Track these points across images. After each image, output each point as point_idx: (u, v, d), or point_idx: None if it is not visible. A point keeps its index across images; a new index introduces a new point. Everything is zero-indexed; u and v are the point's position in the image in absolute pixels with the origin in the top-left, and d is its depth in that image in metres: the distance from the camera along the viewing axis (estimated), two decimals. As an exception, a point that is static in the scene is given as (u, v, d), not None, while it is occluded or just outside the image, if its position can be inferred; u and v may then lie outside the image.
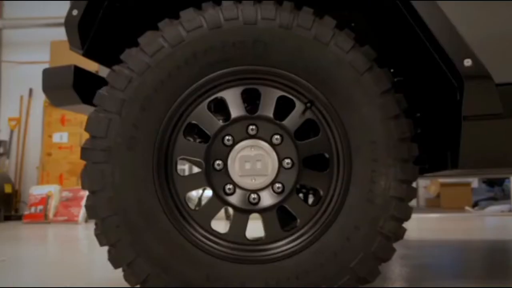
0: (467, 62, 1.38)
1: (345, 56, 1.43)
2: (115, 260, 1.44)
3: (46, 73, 1.66)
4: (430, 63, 1.48)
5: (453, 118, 1.46)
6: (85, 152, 1.43)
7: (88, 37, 1.68)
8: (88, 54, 1.72)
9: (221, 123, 1.49)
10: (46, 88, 1.65)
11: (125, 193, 1.41)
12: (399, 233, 1.45)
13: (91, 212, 1.43)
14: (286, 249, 1.45)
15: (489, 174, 4.91)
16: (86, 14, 1.63)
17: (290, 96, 1.49)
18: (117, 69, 1.44)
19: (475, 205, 7.98)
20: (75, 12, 1.63)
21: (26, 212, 6.78)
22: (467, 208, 7.70)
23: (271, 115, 1.48)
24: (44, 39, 7.69)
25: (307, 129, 1.57)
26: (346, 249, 1.42)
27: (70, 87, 1.58)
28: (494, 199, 8.27)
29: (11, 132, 8.15)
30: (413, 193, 1.45)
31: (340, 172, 1.47)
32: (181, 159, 1.52)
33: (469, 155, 1.41)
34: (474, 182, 8.39)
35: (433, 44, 1.43)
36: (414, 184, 1.47)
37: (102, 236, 1.44)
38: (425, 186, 8.62)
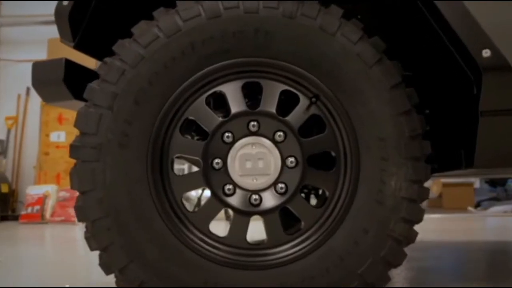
0: (486, 53, 1.30)
1: (353, 47, 1.36)
2: (106, 265, 1.37)
3: (36, 67, 1.58)
4: (444, 55, 1.41)
5: (468, 113, 1.37)
6: (75, 150, 1.36)
7: (80, 29, 1.61)
8: (80, 46, 1.64)
9: (220, 119, 1.41)
10: (36, 83, 1.58)
11: (117, 193, 1.34)
12: (411, 237, 1.38)
13: (81, 214, 1.35)
14: (290, 254, 1.38)
15: (492, 174, 4.85)
16: (78, 3, 1.55)
17: (294, 90, 1.42)
18: (109, 61, 1.37)
19: (477, 205, 7.94)
20: (65, 2, 1.55)
21: (23, 212, 6.73)
22: (469, 208, 7.65)
23: (273, 110, 1.41)
24: (41, 37, 7.61)
25: (312, 126, 1.49)
26: (354, 254, 1.36)
27: (60, 82, 1.51)
28: (496, 200, 8.24)
29: (8, 131, 8.08)
30: (425, 193, 1.38)
31: (348, 172, 1.40)
32: (177, 157, 1.44)
33: (486, 153, 1.33)
34: (476, 182, 8.34)
35: (448, 34, 1.35)
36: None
37: (92, 240, 1.36)
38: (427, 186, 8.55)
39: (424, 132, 1.38)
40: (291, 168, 1.41)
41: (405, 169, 1.35)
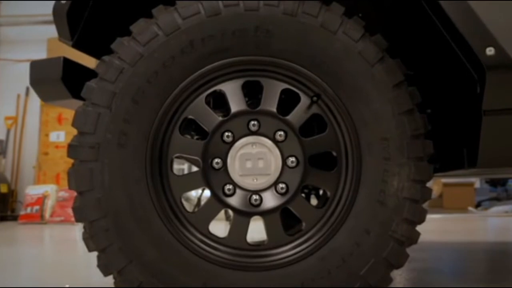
0: (490, 51, 1.28)
1: (355, 45, 1.34)
2: (104, 266, 1.35)
3: (34, 65, 1.56)
4: (447, 53, 1.38)
5: (471, 113, 1.35)
6: (73, 149, 1.34)
7: (78, 27, 1.59)
8: (78, 45, 1.62)
9: (220, 118, 1.39)
10: (34, 82, 1.57)
11: (115, 194, 1.32)
12: (413, 237, 1.37)
13: (79, 214, 1.33)
14: (290, 255, 1.36)
15: (493, 174, 4.83)
16: (76, 1, 1.52)
17: (295, 89, 1.40)
18: (107, 59, 1.35)
19: (477, 205, 7.91)
20: (63, 1, 1.53)
21: (22, 213, 6.69)
22: (470, 208, 7.63)
23: (274, 109, 1.39)
24: (41, 37, 7.60)
25: (313, 125, 1.47)
26: (356, 255, 1.34)
27: (58, 80, 1.49)
28: (497, 200, 8.21)
29: (8, 131, 8.06)
30: (428, 194, 1.36)
31: (349, 172, 1.38)
32: (176, 157, 1.42)
33: (489, 153, 1.31)
34: (477, 182, 8.32)
35: (451, 32, 1.32)
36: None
37: (90, 241, 1.34)
38: (428, 186, 8.51)
39: (426, 132, 1.36)
40: (292, 168, 1.39)
41: (407, 169, 1.33)
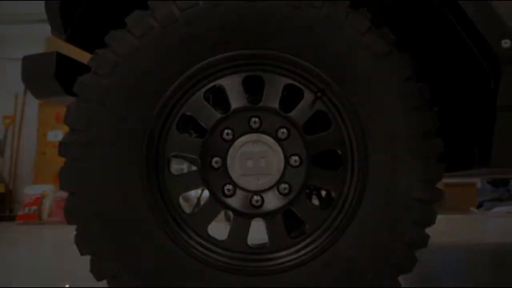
0: (505, 43, 1.23)
1: (361, 38, 1.29)
2: (97, 271, 1.30)
3: (26, 61, 1.51)
4: (458, 47, 1.33)
5: (485, 109, 1.30)
6: (64, 147, 1.28)
7: (72, 21, 1.54)
8: (72, 39, 1.56)
9: (219, 115, 1.34)
10: (26, 78, 1.51)
11: (108, 194, 1.27)
12: (422, 240, 1.32)
13: (70, 216, 1.28)
14: (293, 259, 1.31)
15: (494, 174, 4.80)
16: None
17: (298, 85, 1.34)
18: (101, 53, 1.30)
19: (479, 206, 7.90)
20: None
21: (20, 213, 6.71)
22: (472, 209, 7.61)
23: (276, 106, 1.34)
24: (39, 35, 7.57)
25: (317, 122, 1.42)
26: (362, 259, 1.29)
27: (51, 76, 1.44)
28: (499, 200, 8.19)
29: (6, 130, 8.05)
30: (438, 194, 1.31)
31: (355, 171, 1.32)
32: (173, 156, 1.37)
33: (504, 152, 1.25)
34: (478, 182, 8.31)
35: (463, 24, 1.27)
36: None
37: (83, 244, 1.29)
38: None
39: (436, 129, 1.30)
40: (295, 167, 1.33)
41: (416, 168, 1.28)
